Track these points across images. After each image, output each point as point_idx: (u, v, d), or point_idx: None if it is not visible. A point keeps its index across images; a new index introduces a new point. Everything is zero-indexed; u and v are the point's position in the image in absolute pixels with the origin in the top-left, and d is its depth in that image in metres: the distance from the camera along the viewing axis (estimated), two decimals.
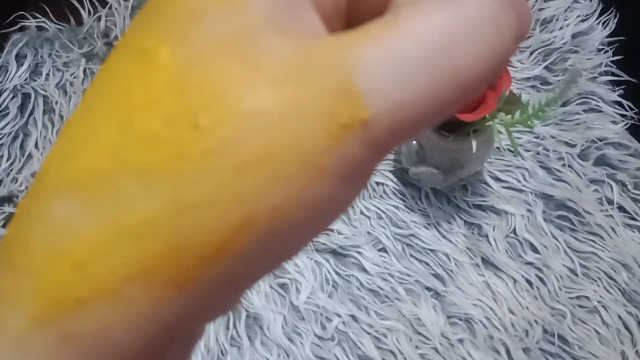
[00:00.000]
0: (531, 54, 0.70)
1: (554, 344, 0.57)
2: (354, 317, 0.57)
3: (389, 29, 0.10)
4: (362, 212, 0.62)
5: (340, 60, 0.09)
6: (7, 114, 0.67)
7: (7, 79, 0.69)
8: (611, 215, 0.62)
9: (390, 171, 0.64)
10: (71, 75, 0.69)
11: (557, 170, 0.64)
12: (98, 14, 0.72)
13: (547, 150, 0.65)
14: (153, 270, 0.09)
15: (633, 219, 0.62)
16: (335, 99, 0.09)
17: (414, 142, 0.57)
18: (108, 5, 0.72)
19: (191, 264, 0.09)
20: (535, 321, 0.57)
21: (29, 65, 0.69)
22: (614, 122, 0.66)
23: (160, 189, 0.09)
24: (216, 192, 0.09)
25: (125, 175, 0.09)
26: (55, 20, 0.72)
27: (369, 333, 0.57)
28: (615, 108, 0.67)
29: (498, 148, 0.65)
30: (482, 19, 0.10)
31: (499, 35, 0.10)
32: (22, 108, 0.68)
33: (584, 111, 0.67)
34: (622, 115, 0.67)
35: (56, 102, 0.68)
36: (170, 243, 0.09)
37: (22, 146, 0.66)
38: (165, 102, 0.09)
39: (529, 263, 0.60)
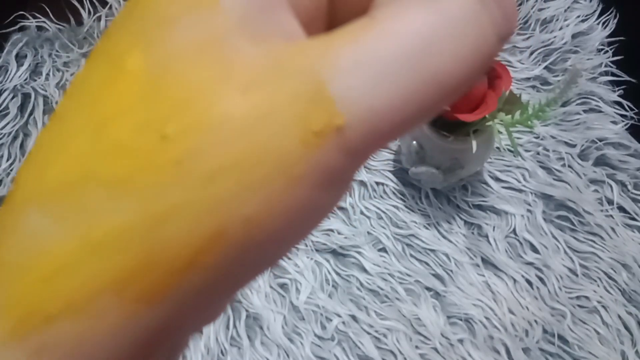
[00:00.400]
0: (531, 54, 0.70)
1: (554, 344, 0.56)
2: (354, 317, 0.57)
3: (364, 30, 0.09)
4: (362, 212, 0.62)
5: (313, 63, 0.09)
6: (7, 114, 0.67)
7: (7, 79, 0.69)
8: (611, 216, 0.62)
9: (390, 171, 0.64)
10: (71, 75, 0.69)
11: (557, 170, 0.64)
12: (98, 14, 0.72)
13: (547, 150, 0.65)
14: (124, 284, 0.09)
15: (633, 219, 0.62)
16: (308, 104, 0.09)
17: (414, 142, 0.57)
18: (108, 5, 0.72)
19: (163, 277, 0.09)
20: (535, 321, 0.57)
21: (29, 65, 0.69)
22: (614, 122, 0.66)
23: (129, 200, 0.09)
24: (186, 203, 0.09)
25: (94, 186, 0.09)
26: (55, 20, 0.72)
27: (369, 333, 0.57)
28: (615, 108, 0.67)
29: (498, 148, 0.64)
30: (463, 18, 0.09)
31: (482, 34, 0.10)
32: (22, 108, 0.68)
33: (584, 111, 0.67)
34: (622, 116, 0.67)
35: (56, 102, 0.68)
36: (141, 255, 0.09)
37: (22, 146, 0.66)
38: (134, 111, 0.09)
39: (529, 263, 0.60)
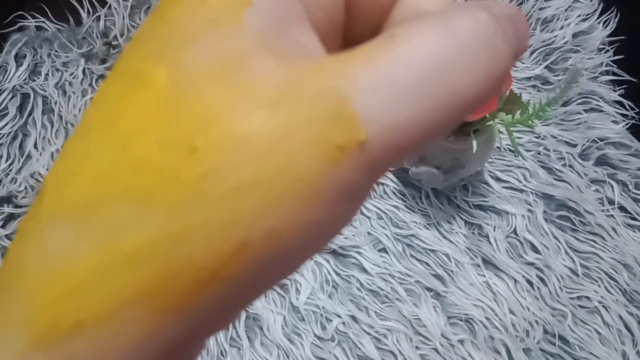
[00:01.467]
0: (532, 53, 0.69)
1: (554, 344, 0.56)
2: (354, 318, 0.57)
3: (383, 51, 0.10)
4: (362, 213, 0.62)
5: (335, 82, 0.09)
6: (6, 114, 0.67)
7: (6, 79, 0.68)
8: (612, 216, 0.62)
9: (390, 171, 0.64)
10: (70, 75, 0.69)
11: (557, 170, 0.64)
12: (97, 14, 0.72)
13: (548, 150, 0.64)
14: (150, 295, 0.09)
15: (634, 219, 0.62)
16: (331, 121, 0.09)
17: None
18: (107, 5, 0.72)
19: (189, 288, 0.09)
20: (536, 321, 0.57)
21: (28, 65, 0.69)
22: (614, 122, 0.66)
23: (156, 215, 0.09)
24: (211, 216, 0.09)
25: (120, 200, 0.09)
26: (54, 20, 0.72)
27: (369, 334, 0.56)
28: (616, 108, 0.67)
29: (499, 148, 0.64)
30: (476, 39, 0.10)
31: (494, 54, 0.10)
32: (21, 108, 0.67)
33: (585, 111, 0.67)
34: (622, 115, 0.67)
35: (55, 102, 0.67)
36: (167, 267, 0.09)
37: (21, 146, 0.66)
38: (158, 127, 0.09)
39: (530, 263, 0.60)
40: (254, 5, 0.10)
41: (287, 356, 0.56)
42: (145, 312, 0.09)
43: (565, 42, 0.70)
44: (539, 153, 0.64)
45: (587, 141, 0.65)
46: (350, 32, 0.13)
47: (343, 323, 0.57)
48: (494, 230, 0.61)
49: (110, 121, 0.10)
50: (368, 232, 0.61)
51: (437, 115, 0.10)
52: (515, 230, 0.61)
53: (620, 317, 0.57)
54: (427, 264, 0.59)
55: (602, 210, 0.62)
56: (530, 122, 0.49)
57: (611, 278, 0.59)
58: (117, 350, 0.09)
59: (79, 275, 0.09)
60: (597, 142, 0.65)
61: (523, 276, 0.59)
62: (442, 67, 0.10)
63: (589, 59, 0.69)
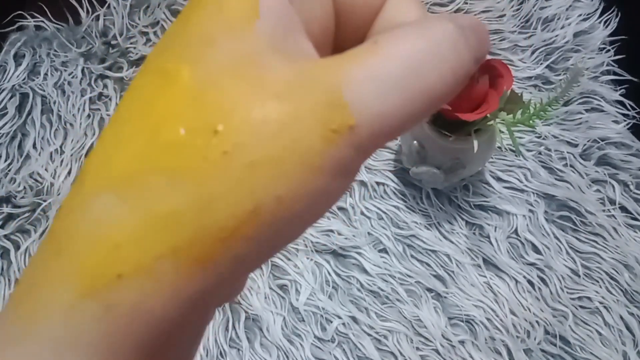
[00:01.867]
0: (533, 53, 0.69)
1: (555, 345, 0.56)
2: (354, 319, 0.57)
3: (369, 53, 0.12)
4: (362, 213, 0.61)
5: (331, 78, 0.12)
6: (5, 114, 0.66)
7: (6, 78, 0.68)
8: (613, 216, 0.62)
9: (391, 171, 0.64)
10: (69, 74, 0.69)
11: (559, 170, 0.63)
12: (96, 13, 0.72)
13: (549, 150, 0.64)
14: (181, 250, 0.11)
15: (635, 219, 0.62)
16: (328, 109, 0.11)
17: (415, 142, 0.56)
18: (106, 5, 0.72)
19: (212, 245, 0.11)
20: (537, 322, 0.57)
21: (27, 64, 0.69)
22: (615, 122, 0.66)
23: (186, 186, 0.11)
24: (231, 187, 0.11)
25: (154, 174, 0.11)
26: (53, 20, 0.72)
27: (369, 334, 0.56)
28: (617, 107, 0.66)
29: (500, 148, 0.64)
30: (446, 45, 0.12)
31: (459, 58, 0.12)
32: (20, 108, 0.67)
33: (586, 111, 0.66)
34: (624, 115, 0.66)
35: (54, 102, 0.67)
36: (195, 228, 0.11)
37: (20, 146, 0.65)
38: (185, 115, 0.11)
39: (531, 264, 0.59)
40: (261, 14, 0.12)
41: (287, 357, 0.55)
42: (176, 266, 0.11)
43: (566, 42, 0.69)
44: (540, 153, 0.64)
45: (588, 141, 0.64)
46: (339, 40, 0.15)
47: (343, 324, 0.57)
48: (495, 231, 0.61)
49: (143, 112, 0.12)
50: (368, 233, 0.60)
51: (412, 106, 0.12)
52: (516, 230, 0.61)
53: (621, 318, 0.57)
54: (428, 264, 0.59)
55: (603, 211, 0.62)
56: (531, 121, 0.49)
57: (612, 278, 0.59)
58: (153, 299, 0.11)
59: (120, 236, 0.11)
60: (598, 142, 0.64)
61: (524, 277, 0.59)
62: (417, 67, 0.12)
63: (589, 58, 0.69)
